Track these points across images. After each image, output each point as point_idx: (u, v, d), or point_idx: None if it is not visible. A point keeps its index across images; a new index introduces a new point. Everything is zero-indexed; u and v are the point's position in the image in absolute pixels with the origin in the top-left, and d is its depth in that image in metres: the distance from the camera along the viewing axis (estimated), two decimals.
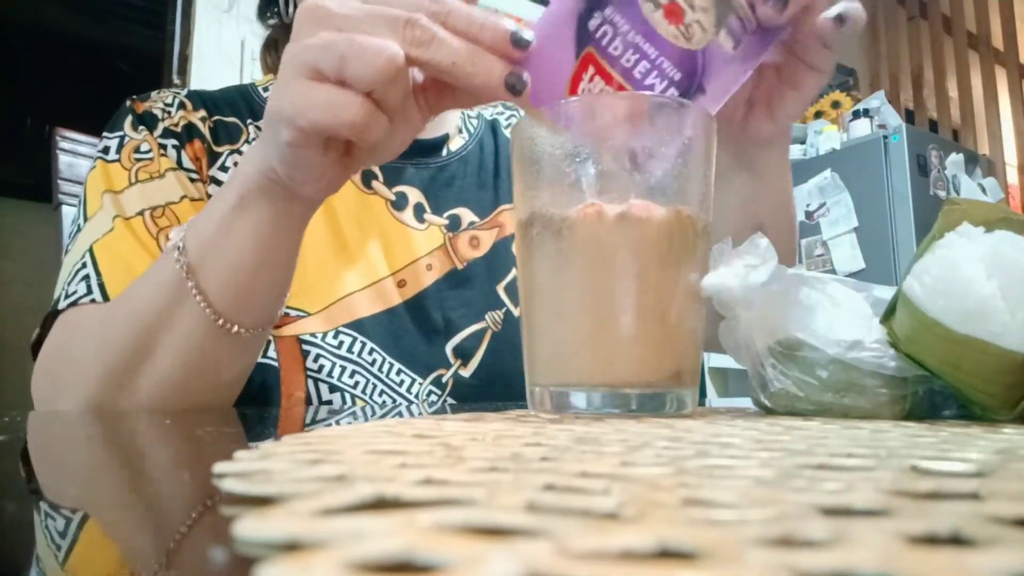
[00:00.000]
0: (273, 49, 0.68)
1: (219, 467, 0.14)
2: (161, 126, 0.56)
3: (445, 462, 0.15)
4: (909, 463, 0.15)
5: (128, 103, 0.59)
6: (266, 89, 0.63)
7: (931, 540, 0.09)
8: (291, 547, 0.09)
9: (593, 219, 0.31)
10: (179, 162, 0.55)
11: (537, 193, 0.33)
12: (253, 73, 1.79)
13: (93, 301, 0.48)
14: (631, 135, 0.31)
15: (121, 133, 0.56)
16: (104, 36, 3.36)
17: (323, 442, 0.18)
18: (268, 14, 0.66)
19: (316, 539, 0.09)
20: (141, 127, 0.56)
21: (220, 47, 1.79)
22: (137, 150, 0.55)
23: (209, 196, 0.55)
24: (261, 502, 0.12)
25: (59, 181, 0.75)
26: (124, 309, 0.44)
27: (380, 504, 0.11)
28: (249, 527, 0.09)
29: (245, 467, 0.14)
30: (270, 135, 0.36)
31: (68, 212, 0.74)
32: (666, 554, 0.08)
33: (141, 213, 0.52)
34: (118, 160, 0.54)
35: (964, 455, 0.17)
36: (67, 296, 0.49)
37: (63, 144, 0.76)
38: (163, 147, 0.55)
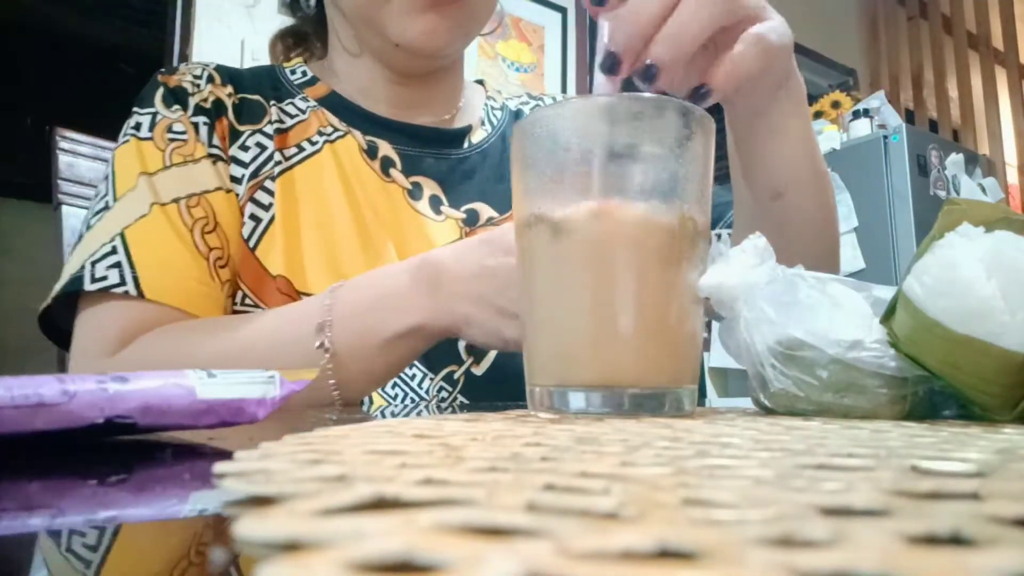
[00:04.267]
0: (293, 43, 0.69)
1: (219, 467, 0.14)
2: (192, 102, 0.55)
3: (445, 462, 0.15)
4: (909, 463, 0.15)
5: (158, 77, 0.58)
6: (292, 72, 0.63)
7: (931, 540, 0.09)
8: (291, 547, 0.09)
9: (592, 219, 0.31)
10: (210, 142, 0.54)
11: (537, 193, 0.33)
12: None
13: (127, 293, 0.48)
14: (630, 136, 0.31)
15: (153, 110, 0.55)
16: (104, 36, 3.36)
17: (323, 442, 0.18)
18: (297, 6, 0.66)
19: (316, 539, 0.09)
20: (175, 105, 0.55)
21: (220, 47, 1.79)
22: (170, 129, 0.54)
23: (231, 178, 0.55)
24: (261, 502, 0.12)
25: (59, 181, 0.75)
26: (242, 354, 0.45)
27: (380, 504, 0.11)
28: (249, 527, 0.09)
29: (245, 467, 0.14)
30: (482, 321, 0.41)
31: (68, 212, 0.74)
32: (666, 554, 0.08)
33: (177, 201, 0.51)
34: (151, 139, 0.53)
35: (964, 455, 0.17)
36: (94, 279, 0.48)
37: (63, 144, 0.76)
38: (196, 127, 0.54)
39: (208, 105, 0.56)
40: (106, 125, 1.18)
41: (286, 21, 0.73)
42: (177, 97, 0.56)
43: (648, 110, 0.32)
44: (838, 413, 0.31)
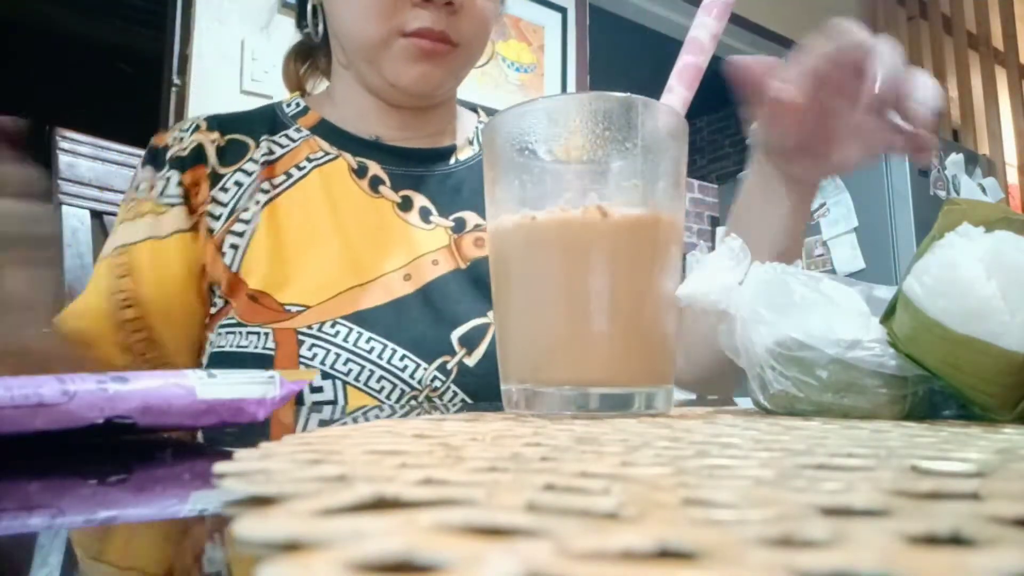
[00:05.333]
0: (302, 60, 0.72)
1: (219, 467, 0.14)
2: (168, 155, 0.61)
3: (445, 462, 0.15)
4: (909, 463, 0.15)
5: (152, 139, 0.64)
6: (288, 105, 0.67)
7: (931, 540, 0.09)
8: (291, 547, 0.09)
9: (565, 220, 0.31)
10: (164, 191, 0.60)
11: (509, 193, 0.32)
12: (253, 73, 1.78)
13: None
14: (603, 136, 0.31)
15: (137, 172, 0.63)
16: (104, 36, 3.36)
17: (323, 442, 0.18)
18: (304, 24, 0.69)
19: (316, 539, 0.09)
20: (149, 165, 0.62)
21: (220, 47, 1.79)
22: (137, 188, 0.61)
23: (208, 215, 0.60)
24: (261, 502, 0.12)
25: (59, 181, 0.75)
26: None
27: (380, 504, 0.11)
28: (249, 527, 0.09)
29: (245, 467, 0.14)
30: None
31: (68, 212, 0.74)
32: (666, 554, 0.08)
33: (115, 251, 0.59)
34: (126, 200, 0.62)
35: (964, 455, 0.17)
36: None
37: (63, 144, 0.76)
38: (164, 182, 0.60)
39: (185, 154, 0.61)
40: (106, 125, 1.18)
41: (285, 23, 0.74)
42: (157, 157, 0.62)
43: (620, 110, 0.31)
44: (838, 413, 0.31)
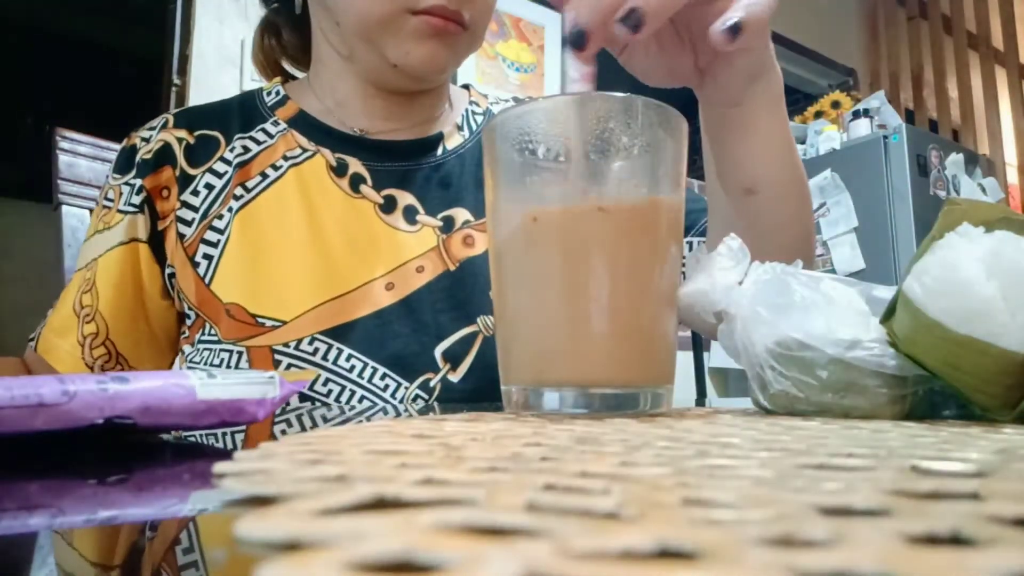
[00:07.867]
0: (270, 34, 0.66)
1: (219, 467, 0.14)
2: (136, 159, 0.59)
3: (445, 462, 0.15)
4: (909, 463, 0.15)
5: (126, 138, 0.62)
6: (269, 94, 0.63)
7: (931, 540, 0.09)
8: (291, 547, 0.09)
9: (565, 219, 0.31)
10: (129, 200, 0.58)
11: (509, 193, 0.32)
12: (253, 73, 1.79)
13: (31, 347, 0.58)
14: (603, 135, 0.31)
15: (108, 175, 0.61)
16: (104, 36, 3.36)
17: (323, 442, 0.18)
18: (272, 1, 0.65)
19: (316, 539, 0.09)
20: (117, 172, 0.60)
21: (220, 47, 1.79)
22: (106, 196, 0.59)
23: (179, 220, 0.57)
24: (261, 502, 0.12)
25: (59, 181, 0.75)
26: None
27: (380, 504, 0.11)
28: (249, 527, 0.09)
29: (245, 467, 0.14)
30: None
31: (68, 212, 0.74)
32: (666, 554, 0.08)
33: (87, 265, 0.58)
34: (97, 206, 0.60)
35: (964, 455, 0.17)
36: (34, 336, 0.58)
37: (63, 144, 0.76)
38: (130, 188, 0.58)
39: (149, 156, 0.58)
40: (106, 125, 1.18)
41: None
42: (124, 161, 0.59)
43: (621, 108, 0.31)
44: (838, 413, 0.31)
